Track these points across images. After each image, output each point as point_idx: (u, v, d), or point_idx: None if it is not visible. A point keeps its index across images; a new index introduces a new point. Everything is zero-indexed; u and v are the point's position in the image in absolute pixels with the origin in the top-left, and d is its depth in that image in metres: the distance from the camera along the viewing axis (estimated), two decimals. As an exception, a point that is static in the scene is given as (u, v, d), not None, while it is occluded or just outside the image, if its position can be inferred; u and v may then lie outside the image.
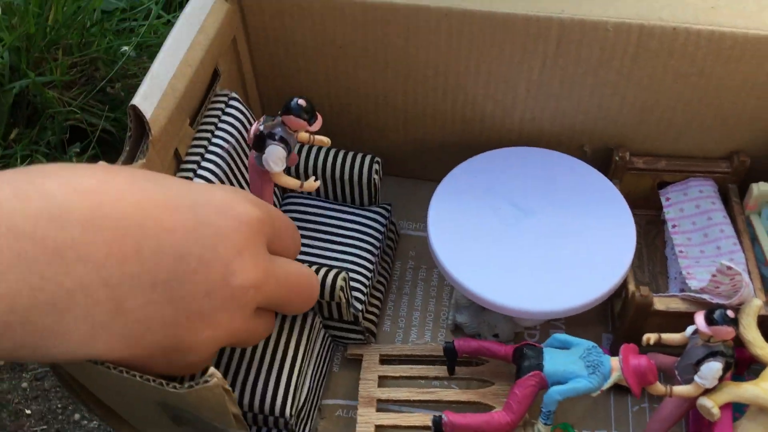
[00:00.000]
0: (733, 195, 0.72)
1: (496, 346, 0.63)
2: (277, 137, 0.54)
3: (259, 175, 0.57)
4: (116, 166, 0.47)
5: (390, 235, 0.75)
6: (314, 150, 0.70)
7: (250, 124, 0.66)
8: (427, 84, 0.70)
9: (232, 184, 0.62)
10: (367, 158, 0.70)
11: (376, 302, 0.71)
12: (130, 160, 0.55)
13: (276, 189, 0.71)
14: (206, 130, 0.63)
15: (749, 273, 0.66)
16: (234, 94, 0.65)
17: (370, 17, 0.65)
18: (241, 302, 0.45)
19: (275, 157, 0.54)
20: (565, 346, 0.61)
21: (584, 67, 0.66)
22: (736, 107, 0.67)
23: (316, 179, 0.58)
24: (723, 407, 0.56)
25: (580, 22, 0.62)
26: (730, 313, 0.54)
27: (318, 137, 0.58)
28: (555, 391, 0.57)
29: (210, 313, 0.44)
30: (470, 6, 0.63)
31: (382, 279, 0.73)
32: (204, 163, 0.60)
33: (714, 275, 0.61)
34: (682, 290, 0.70)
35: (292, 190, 0.73)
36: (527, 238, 0.65)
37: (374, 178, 0.70)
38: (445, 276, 0.64)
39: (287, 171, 0.60)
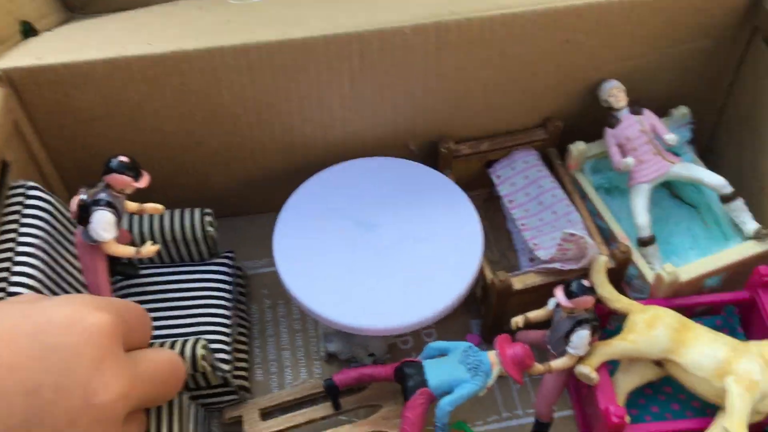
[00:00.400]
0: (554, 158, 0.75)
1: (375, 370, 0.62)
2: (102, 203, 0.49)
3: (88, 252, 0.52)
4: None
5: (239, 281, 0.72)
6: (138, 216, 0.65)
7: (59, 211, 0.60)
8: (240, 121, 0.67)
9: (54, 284, 0.56)
10: (197, 212, 0.66)
11: (243, 355, 0.68)
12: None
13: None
14: (9, 231, 0.56)
15: (587, 229, 0.69)
16: (31, 183, 0.58)
17: (162, 69, 0.61)
18: (109, 419, 0.41)
19: (104, 223, 0.49)
20: (442, 353, 0.61)
21: (392, 73, 0.65)
22: (541, 78, 0.69)
23: (153, 242, 0.54)
24: (599, 368, 0.58)
25: (378, 33, 0.62)
26: (585, 282, 0.56)
27: (149, 205, 0.54)
28: (445, 404, 0.57)
29: None
30: (266, 38, 0.61)
31: (242, 329, 0.69)
32: (16, 271, 0.54)
33: (560, 244, 0.63)
34: (531, 260, 0.72)
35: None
36: (376, 254, 0.64)
37: (209, 231, 0.66)
38: (302, 308, 0.62)
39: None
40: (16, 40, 0.63)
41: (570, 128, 0.74)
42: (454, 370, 0.58)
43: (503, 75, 0.68)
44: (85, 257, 0.52)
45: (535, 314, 0.61)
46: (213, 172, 0.72)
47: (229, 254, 0.70)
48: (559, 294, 0.57)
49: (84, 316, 0.41)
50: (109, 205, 0.50)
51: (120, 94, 0.62)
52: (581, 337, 0.57)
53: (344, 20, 0.62)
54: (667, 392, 0.63)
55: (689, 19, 0.67)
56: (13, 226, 0.56)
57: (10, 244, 0.55)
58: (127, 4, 0.71)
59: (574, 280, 0.56)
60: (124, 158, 0.49)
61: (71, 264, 0.61)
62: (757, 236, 0.66)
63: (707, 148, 0.80)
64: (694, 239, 0.72)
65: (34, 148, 0.64)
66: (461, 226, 0.65)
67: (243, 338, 0.69)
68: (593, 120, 0.73)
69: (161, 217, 0.65)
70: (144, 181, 0.51)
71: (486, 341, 0.71)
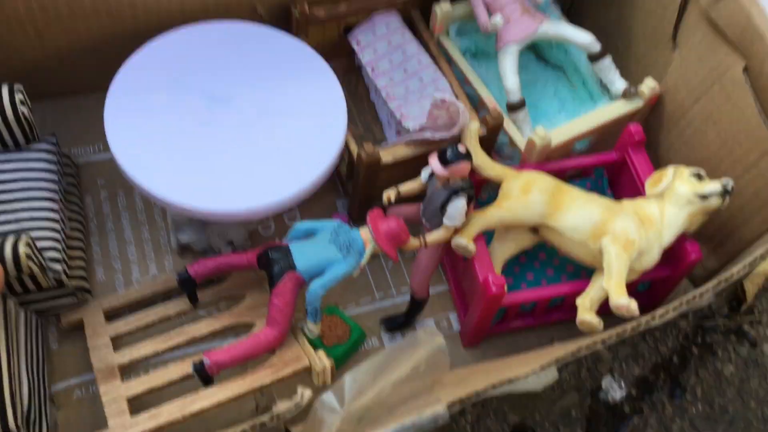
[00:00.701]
0: (418, 21, 0.69)
1: (235, 258, 0.56)
2: None
3: None
4: None
5: (67, 170, 0.62)
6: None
7: None
8: (49, -24, 0.55)
9: None
10: (4, 88, 0.55)
11: (79, 253, 0.59)
12: None
13: None
14: None
15: (456, 96, 0.64)
16: None
17: None
18: None
19: None
20: (309, 233, 0.55)
21: None
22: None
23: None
24: (476, 239, 0.55)
25: None
26: (461, 148, 0.52)
27: None
28: (316, 286, 0.52)
29: None
30: None
31: (76, 224, 0.60)
32: None
33: (430, 111, 0.58)
34: (398, 132, 0.67)
35: None
36: (230, 130, 0.56)
37: (21, 111, 0.56)
38: (146, 195, 0.54)
39: None
40: None
41: (432, -11, 0.68)
42: (325, 251, 0.53)
43: None
44: None
45: (407, 186, 0.56)
46: (23, 44, 0.60)
47: (51, 139, 0.60)
48: (434, 162, 0.52)
49: None
50: None
51: None
52: (457, 207, 0.53)
53: None
54: (542, 259, 0.61)
55: None
56: None
57: None
58: None
59: (449, 147, 0.52)
60: None
61: None
62: (626, 95, 0.64)
63: (570, 9, 0.77)
64: (562, 102, 0.70)
65: None
66: (322, 97, 0.59)
67: (78, 234, 0.60)
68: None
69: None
70: None
71: (354, 220, 0.66)
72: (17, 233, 0.50)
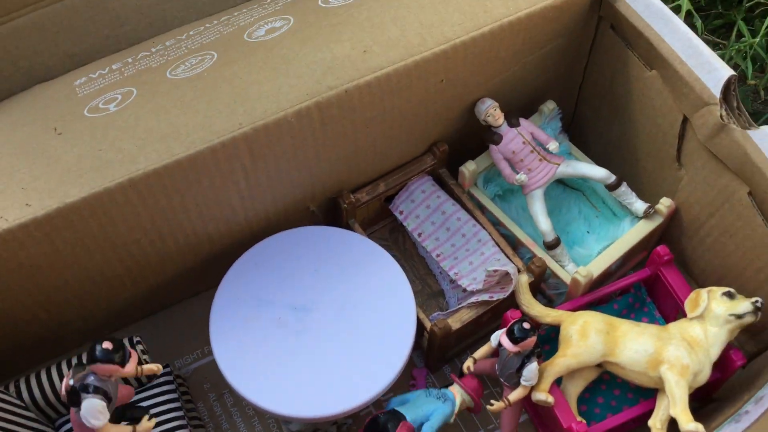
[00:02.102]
0: (447, 178, 0.77)
1: None
2: (90, 389, 0.47)
3: (85, 430, 0.50)
4: None
5: (182, 388, 0.71)
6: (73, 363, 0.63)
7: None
8: (141, 243, 0.64)
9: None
10: (126, 341, 0.64)
11: (213, 463, 0.68)
12: None
13: None
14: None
15: (497, 244, 0.73)
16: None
17: (51, 228, 0.57)
18: None
19: (93, 411, 0.47)
20: (404, 401, 0.64)
21: (283, 156, 0.64)
22: (422, 116, 0.70)
23: (150, 417, 0.53)
24: (550, 389, 0.63)
25: (263, 128, 0.60)
26: (526, 326, 0.60)
27: (147, 367, 0.52)
28: (428, 428, 0.61)
29: None
30: (151, 165, 0.58)
31: (202, 435, 0.69)
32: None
33: (485, 280, 0.67)
34: (452, 281, 0.75)
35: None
36: (315, 338, 0.64)
37: (144, 359, 0.64)
38: (256, 409, 0.63)
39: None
40: None
41: (454, 147, 0.76)
42: (424, 404, 0.63)
43: (387, 125, 0.68)
44: None
45: (481, 352, 0.65)
46: (122, 292, 0.69)
47: (166, 369, 0.68)
48: (506, 342, 0.60)
49: None
50: (97, 390, 0.47)
51: (10, 263, 0.58)
52: (531, 370, 0.62)
53: (222, 123, 0.60)
54: (606, 380, 0.69)
55: (544, 29, 0.70)
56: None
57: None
58: None
59: (516, 325, 0.60)
60: (106, 344, 0.47)
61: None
62: (647, 215, 0.72)
63: (572, 123, 0.85)
64: (588, 222, 0.78)
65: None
66: (390, 288, 0.67)
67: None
68: (474, 135, 0.76)
69: (81, 360, 0.63)
70: (132, 363, 0.48)
71: (432, 372, 0.74)
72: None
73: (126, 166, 0.58)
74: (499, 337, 0.61)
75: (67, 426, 0.64)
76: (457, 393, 0.64)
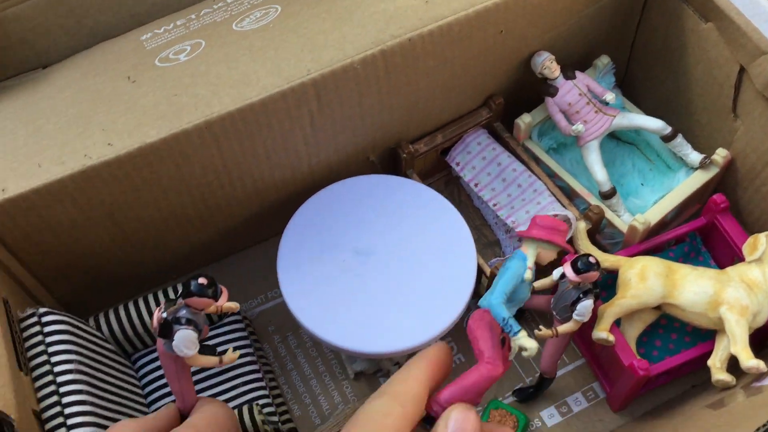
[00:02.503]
0: (502, 132, 0.79)
1: None
2: (183, 321, 0.49)
3: (172, 361, 0.53)
4: None
5: (249, 329, 0.73)
6: (150, 300, 0.66)
7: (77, 327, 0.59)
8: (212, 186, 0.67)
9: (101, 400, 0.57)
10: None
11: (280, 399, 0.71)
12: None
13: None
14: (42, 365, 0.56)
15: (553, 194, 0.74)
16: (41, 309, 0.58)
17: (131, 167, 0.60)
18: None
19: (186, 341, 0.49)
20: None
21: (348, 104, 0.66)
22: (480, 68, 0.72)
23: (234, 350, 0.55)
24: (611, 329, 0.65)
25: (330, 75, 0.63)
26: (591, 259, 0.61)
27: (226, 305, 0.54)
28: (487, 299, 0.54)
29: None
30: (226, 108, 0.61)
31: (269, 375, 0.72)
32: (65, 399, 0.54)
33: (543, 225, 0.68)
34: (507, 232, 0.77)
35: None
36: (378, 280, 0.67)
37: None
38: (327, 346, 0.65)
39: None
40: None
41: (509, 100, 0.78)
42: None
43: (447, 76, 0.70)
44: (168, 366, 0.52)
45: (541, 283, 0.66)
46: (192, 234, 0.72)
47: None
48: (569, 270, 0.61)
49: None
50: (190, 322, 0.49)
51: (93, 200, 0.61)
52: (586, 305, 0.63)
53: (291, 69, 0.63)
54: (663, 325, 0.71)
55: (601, -19, 0.71)
56: (43, 357, 0.56)
57: (49, 378, 0.55)
58: (23, 65, 0.69)
59: (581, 257, 0.61)
60: (202, 280, 0.49)
61: (111, 368, 0.61)
62: (702, 165, 0.73)
63: (623, 83, 0.86)
64: (642, 175, 0.79)
65: (15, 269, 0.62)
66: (453, 237, 0.69)
67: (273, 383, 0.71)
68: (529, 88, 0.77)
69: (167, 296, 0.66)
70: (224, 297, 0.51)
71: (489, 318, 0.76)
72: (248, 404, 0.61)
73: (201, 110, 0.61)
74: (563, 267, 0.62)
75: (142, 360, 0.68)
76: (526, 247, 0.57)
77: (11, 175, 0.58)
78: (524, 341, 0.52)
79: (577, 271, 0.61)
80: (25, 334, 0.57)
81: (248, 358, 0.68)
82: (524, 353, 0.53)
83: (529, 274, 0.56)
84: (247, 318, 0.75)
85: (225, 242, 0.76)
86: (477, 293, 0.74)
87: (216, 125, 0.61)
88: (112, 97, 0.64)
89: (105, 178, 0.59)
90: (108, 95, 0.64)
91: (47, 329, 0.58)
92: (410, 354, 0.72)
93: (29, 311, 0.58)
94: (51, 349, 0.57)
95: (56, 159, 0.59)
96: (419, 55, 0.66)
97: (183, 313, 0.49)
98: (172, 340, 0.49)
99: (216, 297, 0.50)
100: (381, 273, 0.67)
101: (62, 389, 0.55)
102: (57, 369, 0.56)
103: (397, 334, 0.64)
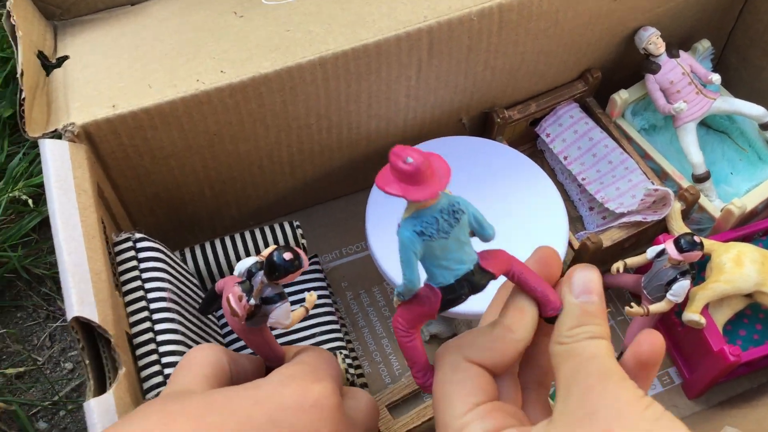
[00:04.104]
0: (594, 107, 0.78)
1: None
2: (276, 298, 0.46)
3: (258, 334, 0.50)
4: (161, 408, 0.39)
5: (327, 282, 0.72)
6: (237, 240, 0.65)
7: (165, 254, 0.59)
8: (312, 129, 0.66)
9: (191, 339, 0.56)
10: (287, 226, 0.66)
11: (353, 354, 0.70)
12: (102, 380, 0.47)
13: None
14: (135, 290, 0.55)
15: (644, 173, 0.73)
16: (137, 235, 0.57)
17: (241, 96, 0.59)
18: None
19: (286, 313, 0.47)
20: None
21: (457, 57, 0.65)
22: (586, 36, 0.71)
23: (311, 292, 0.53)
24: (702, 312, 0.63)
25: (447, 23, 0.62)
26: (696, 239, 0.60)
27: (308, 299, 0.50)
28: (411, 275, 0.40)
29: None
30: (341, 47, 0.59)
31: (344, 328, 0.71)
32: (158, 326, 0.53)
33: (642, 199, 0.67)
34: (591, 209, 0.76)
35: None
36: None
37: (302, 243, 0.66)
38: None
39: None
40: (44, 79, 0.60)
41: (604, 76, 0.76)
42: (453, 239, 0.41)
43: (553, 43, 0.69)
44: (255, 339, 0.49)
45: (633, 260, 0.65)
46: (279, 180, 0.71)
47: (315, 259, 0.70)
48: (671, 248, 0.60)
49: (309, 393, 0.41)
50: (281, 296, 0.47)
51: (198, 126, 0.60)
52: (683, 286, 0.62)
53: (407, 14, 0.61)
54: (748, 315, 0.69)
55: (717, -39, 0.70)
56: (137, 283, 0.55)
57: (142, 303, 0.54)
58: (112, 0, 0.68)
59: (685, 236, 0.60)
60: (287, 255, 0.45)
61: (196, 301, 0.61)
62: (800, 156, 0.72)
63: (716, 69, 0.85)
64: (732, 164, 0.78)
65: (108, 195, 0.62)
66: (544, 202, 0.68)
67: (348, 337, 0.70)
68: (628, 66, 0.76)
69: (255, 238, 0.65)
70: (306, 264, 0.47)
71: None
72: (331, 351, 0.60)
73: (316, 46, 0.59)
74: (664, 244, 0.61)
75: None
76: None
77: (120, 94, 0.57)
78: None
79: (680, 249, 0.60)
80: (119, 258, 0.56)
81: (327, 309, 0.67)
82: None
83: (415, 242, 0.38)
84: (323, 270, 0.74)
85: (306, 193, 0.75)
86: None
87: (329, 63, 0.60)
88: (220, 29, 0.63)
89: (215, 104, 0.58)
90: (214, 28, 0.63)
91: (141, 255, 0.57)
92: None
93: (124, 235, 0.57)
94: (145, 275, 0.56)
95: (167, 82, 0.58)
96: (533, 15, 0.64)
97: (269, 291, 0.47)
98: (263, 319, 0.47)
99: (301, 265, 0.46)
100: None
101: (155, 316, 0.54)
102: (150, 295, 0.55)
103: (486, 294, 0.63)
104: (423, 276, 0.39)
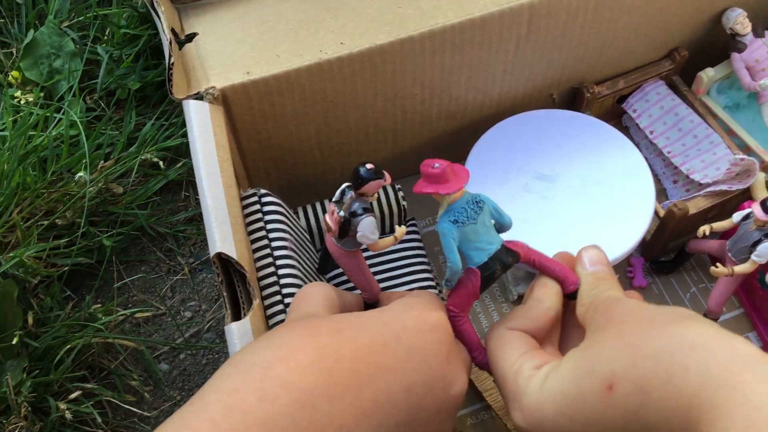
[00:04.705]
0: (680, 85, 0.81)
1: None
2: (362, 210, 0.51)
3: (351, 259, 0.56)
4: (302, 325, 0.45)
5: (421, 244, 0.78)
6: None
7: (286, 210, 0.65)
8: (415, 99, 0.71)
9: (307, 279, 0.62)
10: (389, 188, 0.72)
11: (447, 310, 0.75)
12: (237, 309, 0.54)
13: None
14: (260, 239, 0.61)
15: (729, 147, 0.76)
16: (262, 190, 0.63)
17: (358, 66, 0.65)
18: (460, 403, 0.48)
19: (372, 227, 0.51)
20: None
21: (553, 33, 0.70)
22: (674, 15, 0.75)
23: (400, 224, 0.57)
24: (786, 275, 0.67)
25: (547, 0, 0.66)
26: (782, 200, 0.64)
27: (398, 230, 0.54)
28: (455, 258, 0.49)
29: (442, 426, 0.47)
30: (449, 21, 0.65)
31: (438, 287, 0.76)
32: (281, 271, 0.60)
33: (729, 168, 0.71)
34: (675, 182, 0.80)
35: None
36: (559, 206, 0.70)
37: (403, 205, 0.72)
38: None
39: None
40: (178, 53, 0.66)
41: (690, 55, 0.80)
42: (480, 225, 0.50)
43: (645, 18, 0.73)
44: (350, 263, 0.55)
45: (719, 225, 0.68)
46: (380, 148, 0.77)
47: (413, 221, 0.76)
48: (758, 209, 0.64)
49: (428, 318, 0.47)
50: (367, 210, 0.51)
51: (318, 94, 0.66)
52: (768, 247, 0.65)
53: (509, -9, 0.66)
54: (830, 281, 0.72)
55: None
56: (262, 233, 0.61)
57: (267, 251, 0.61)
58: None
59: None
60: (369, 165, 0.51)
61: (310, 254, 0.67)
62: None
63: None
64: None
65: (234, 157, 0.68)
66: (631, 169, 0.72)
67: (441, 296, 0.76)
68: (712, 46, 0.79)
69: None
70: (389, 178, 0.52)
71: (647, 260, 0.79)
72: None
73: (426, 20, 0.65)
74: (751, 207, 0.65)
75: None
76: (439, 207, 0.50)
77: (252, 63, 0.64)
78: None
79: (766, 210, 0.63)
80: (246, 211, 0.63)
81: (423, 266, 0.72)
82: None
83: (452, 229, 0.48)
84: (420, 233, 0.79)
85: (403, 163, 0.80)
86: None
87: (437, 36, 0.65)
88: (336, 7, 0.69)
89: (334, 73, 0.64)
90: (331, 6, 0.69)
91: (266, 209, 0.63)
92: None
93: (251, 191, 0.63)
94: (269, 227, 0.62)
95: (294, 52, 0.64)
96: (629, -8, 0.69)
97: (357, 204, 0.51)
98: (354, 234, 0.51)
99: (383, 177, 0.51)
100: (564, 198, 0.71)
101: (278, 262, 0.60)
102: (274, 244, 0.61)
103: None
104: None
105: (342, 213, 0.52)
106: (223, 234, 0.54)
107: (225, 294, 0.54)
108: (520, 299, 0.77)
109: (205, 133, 0.59)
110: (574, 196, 0.71)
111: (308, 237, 0.70)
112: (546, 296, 0.49)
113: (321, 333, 0.43)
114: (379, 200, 0.72)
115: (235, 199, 0.58)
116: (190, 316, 0.79)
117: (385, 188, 0.72)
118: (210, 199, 0.56)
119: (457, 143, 0.79)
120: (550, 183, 0.71)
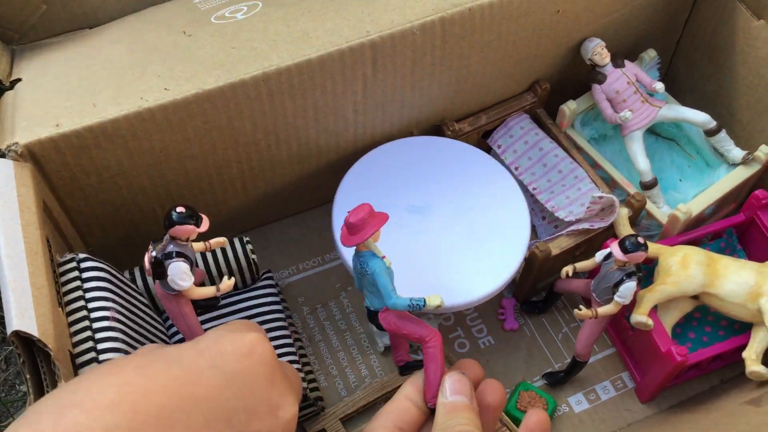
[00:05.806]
0: (544, 118, 0.79)
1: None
2: (173, 254, 0.50)
3: (172, 302, 0.53)
4: (105, 365, 0.42)
5: (281, 296, 0.73)
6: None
7: (111, 274, 0.59)
8: (260, 145, 0.66)
9: (135, 345, 0.56)
10: (237, 242, 0.66)
11: (308, 367, 0.70)
12: (39, 393, 0.48)
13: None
14: (78, 309, 0.55)
15: (594, 182, 0.74)
16: (81, 255, 0.57)
17: (185, 113, 0.60)
18: (292, 426, 0.45)
19: (180, 273, 0.50)
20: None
21: (401, 72, 0.66)
22: (532, 48, 0.72)
23: (229, 276, 0.55)
24: (650, 314, 0.64)
25: (389, 37, 0.63)
26: (640, 240, 0.61)
27: (214, 241, 0.56)
28: (389, 292, 0.54)
29: None
30: (284, 62, 0.60)
31: (299, 342, 0.71)
32: (100, 345, 0.54)
33: (588, 207, 0.68)
34: (543, 218, 0.77)
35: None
36: (438, 237, 0.66)
37: (252, 258, 0.67)
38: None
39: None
40: None
41: (552, 87, 0.78)
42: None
43: (499, 54, 0.70)
44: (170, 306, 0.53)
45: (582, 264, 0.66)
46: (229, 197, 0.71)
47: (269, 274, 0.71)
48: (616, 249, 0.61)
49: (244, 340, 0.44)
50: (180, 255, 0.50)
51: (143, 145, 0.60)
52: (629, 287, 0.62)
53: (350, 30, 0.62)
54: (697, 317, 0.70)
55: (656, -28, 0.71)
56: (80, 303, 0.55)
57: (85, 323, 0.54)
58: (70, 24, 0.68)
59: (629, 237, 0.61)
60: (180, 209, 0.50)
61: (144, 320, 0.61)
62: (744, 161, 0.73)
63: (664, 79, 0.86)
64: (681, 171, 0.79)
65: (56, 213, 0.62)
66: (504, 198, 0.69)
67: (302, 351, 0.71)
68: (573, 77, 0.77)
69: (205, 256, 0.65)
70: (205, 224, 0.51)
71: (521, 303, 0.76)
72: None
73: (260, 62, 0.60)
74: (610, 247, 0.62)
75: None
76: (365, 246, 0.53)
77: (65, 113, 0.58)
78: (433, 300, 0.53)
79: (624, 250, 0.61)
80: (63, 278, 0.56)
81: (279, 323, 0.67)
82: (439, 308, 0.53)
83: (388, 261, 0.54)
84: (278, 285, 0.74)
85: (260, 211, 0.75)
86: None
87: (272, 78, 0.60)
88: (168, 48, 0.64)
89: (159, 122, 0.59)
90: (163, 47, 0.64)
91: (85, 275, 0.57)
92: (437, 325, 0.72)
93: (68, 256, 0.57)
94: (88, 295, 0.56)
95: (112, 100, 0.58)
96: (476, 27, 0.66)
97: (171, 247, 0.50)
98: (167, 277, 0.50)
99: (198, 224, 0.50)
100: (437, 231, 0.66)
101: (98, 335, 0.54)
102: (93, 315, 0.55)
103: (451, 290, 0.63)
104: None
105: (154, 253, 0.50)
106: (21, 308, 0.48)
107: (27, 377, 0.48)
108: (387, 350, 0.73)
109: (6, 194, 0.53)
110: (447, 228, 0.67)
111: (145, 301, 0.64)
112: (413, 395, 0.52)
113: (124, 370, 0.40)
114: (225, 254, 0.66)
115: (40, 268, 0.51)
116: (26, 390, 0.71)
117: (231, 242, 0.66)
118: (8, 269, 0.49)
119: (317, 187, 0.75)
120: (422, 216, 0.67)
